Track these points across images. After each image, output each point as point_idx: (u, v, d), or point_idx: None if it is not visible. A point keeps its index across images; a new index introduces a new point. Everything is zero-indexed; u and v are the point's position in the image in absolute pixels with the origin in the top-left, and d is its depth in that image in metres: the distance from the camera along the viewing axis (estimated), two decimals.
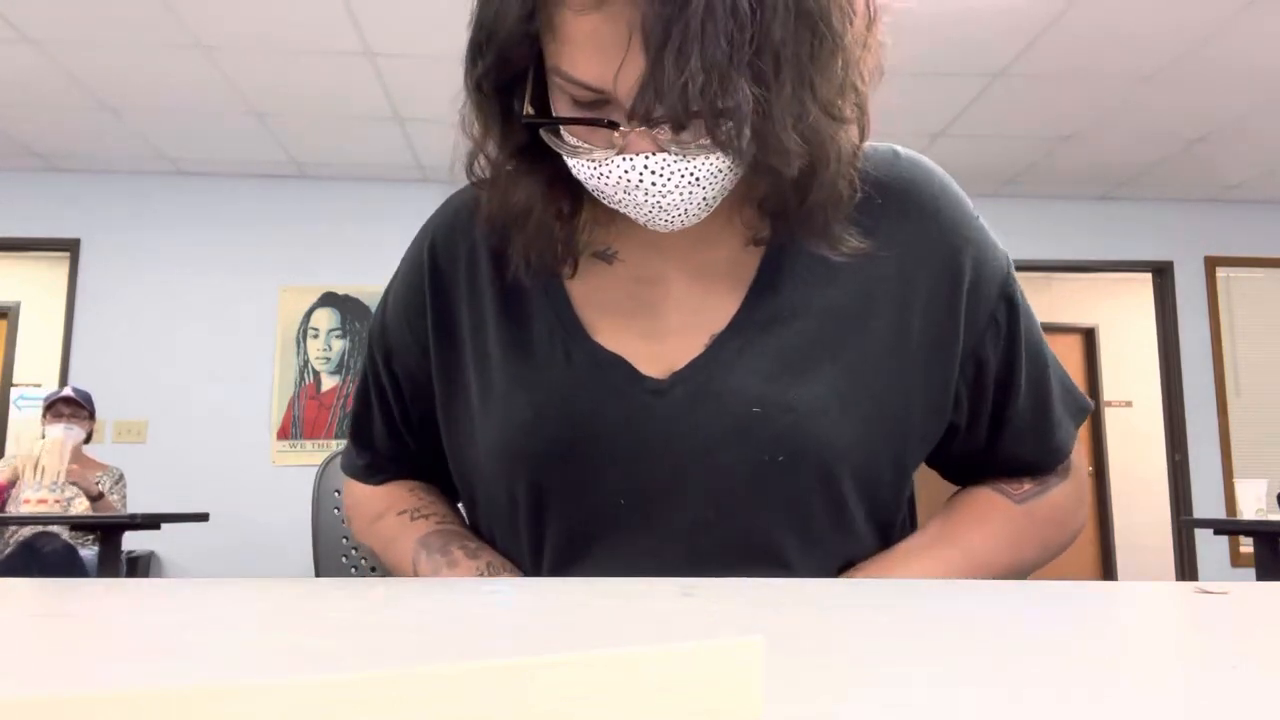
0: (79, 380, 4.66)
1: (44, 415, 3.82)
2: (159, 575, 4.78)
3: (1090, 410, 0.83)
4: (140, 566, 4.61)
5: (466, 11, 0.69)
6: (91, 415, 3.89)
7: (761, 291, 0.73)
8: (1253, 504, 3.14)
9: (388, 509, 0.87)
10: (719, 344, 0.72)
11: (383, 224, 5.09)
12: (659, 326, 0.74)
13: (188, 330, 5.01)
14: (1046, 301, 7.04)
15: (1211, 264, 5.50)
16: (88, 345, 4.97)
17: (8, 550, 3.59)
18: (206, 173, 5.13)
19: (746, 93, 0.57)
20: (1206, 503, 5.23)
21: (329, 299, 5.11)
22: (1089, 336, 7.21)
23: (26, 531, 3.63)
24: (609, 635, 0.39)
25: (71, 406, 3.80)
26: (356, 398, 0.90)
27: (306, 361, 5.06)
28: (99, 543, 3.29)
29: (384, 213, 5.13)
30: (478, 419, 0.77)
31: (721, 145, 0.60)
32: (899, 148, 0.77)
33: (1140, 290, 6.19)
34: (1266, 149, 4.79)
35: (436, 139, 4.55)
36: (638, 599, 0.50)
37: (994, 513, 0.79)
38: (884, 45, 0.68)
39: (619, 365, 0.72)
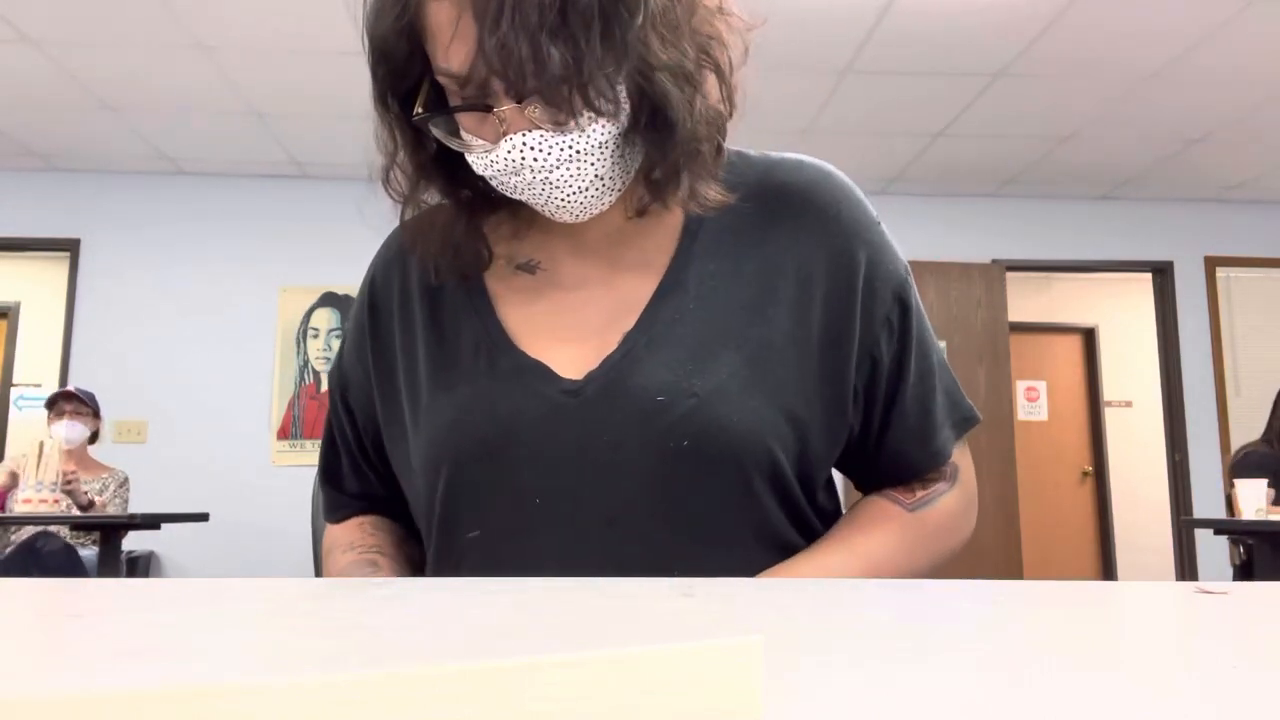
0: (79, 380, 4.66)
1: (48, 415, 3.81)
2: (159, 575, 4.78)
3: (977, 421, 0.84)
4: (140, 566, 4.61)
5: None
6: (96, 413, 3.87)
7: (669, 289, 0.76)
8: (1252, 504, 3.13)
9: (334, 546, 0.88)
10: (628, 341, 0.74)
11: (383, 224, 5.08)
12: (580, 329, 0.76)
13: (188, 330, 5.01)
14: (1046, 301, 7.04)
15: (1211, 264, 5.50)
16: (88, 345, 4.97)
17: (8, 550, 3.58)
18: (206, 173, 5.13)
19: (554, 54, 0.61)
20: (1206, 503, 5.23)
21: (329, 299, 5.11)
22: (1089, 336, 7.20)
23: (26, 532, 3.63)
24: (609, 635, 0.39)
25: (73, 403, 3.79)
26: (323, 440, 0.93)
27: (306, 361, 5.06)
28: (99, 543, 3.29)
29: (384, 213, 5.12)
30: (410, 436, 0.79)
31: (556, 105, 0.64)
32: (805, 157, 0.81)
33: (1140, 290, 6.19)
34: (1266, 149, 4.79)
35: None
36: (637, 599, 0.50)
37: (887, 519, 0.80)
38: (749, 34, 0.72)
39: (538, 370, 0.74)
